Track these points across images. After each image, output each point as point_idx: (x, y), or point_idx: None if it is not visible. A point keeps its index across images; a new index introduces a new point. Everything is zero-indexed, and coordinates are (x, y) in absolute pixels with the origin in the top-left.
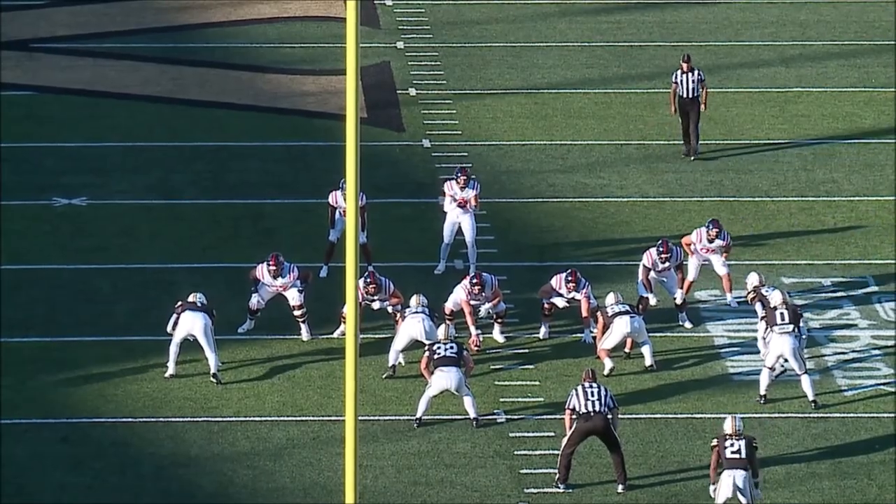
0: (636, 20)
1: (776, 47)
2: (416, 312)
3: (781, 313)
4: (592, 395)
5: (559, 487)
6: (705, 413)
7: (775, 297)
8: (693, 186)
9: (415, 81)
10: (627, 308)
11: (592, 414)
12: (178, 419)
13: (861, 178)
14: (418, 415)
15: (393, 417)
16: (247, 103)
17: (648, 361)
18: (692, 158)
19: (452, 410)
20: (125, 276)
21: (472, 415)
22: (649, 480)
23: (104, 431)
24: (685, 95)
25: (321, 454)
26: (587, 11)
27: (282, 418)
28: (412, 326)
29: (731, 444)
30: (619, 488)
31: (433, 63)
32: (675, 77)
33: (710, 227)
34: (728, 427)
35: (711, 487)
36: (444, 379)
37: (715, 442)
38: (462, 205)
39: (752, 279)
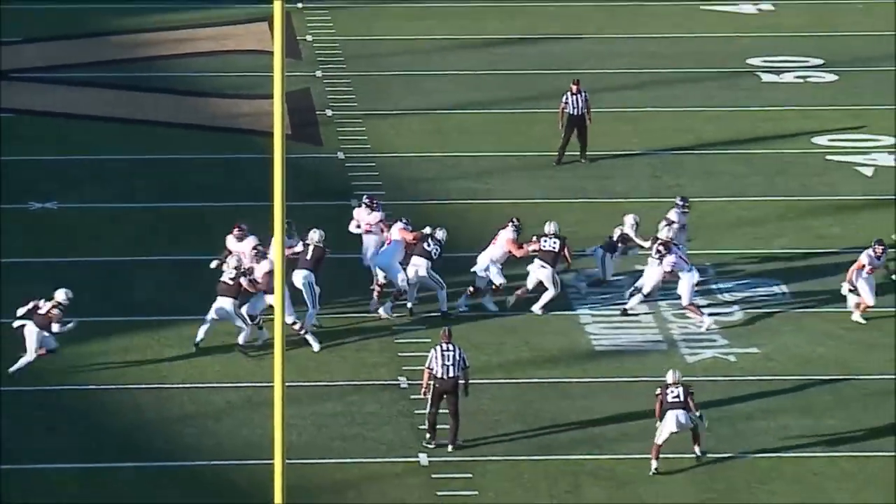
0: (516, 52)
1: (632, 74)
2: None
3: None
4: (448, 360)
5: (430, 445)
6: (571, 378)
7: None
8: (563, 190)
9: (331, 104)
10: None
11: (445, 378)
12: (134, 387)
13: (702, 183)
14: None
15: (314, 383)
16: (191, 122)
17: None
18: (582, 162)
19: (363, 377)
20: (90, 267)
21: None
22: (526, 434)
23: (73, 399)
24: (574, 113)
25: (254, 415)
26: (475, 45)
27: (221, 385)
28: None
29: (672, 391)
30: (449, 448)
31: (346, 88)
32: (566, 98)
33: (876, 245)
34: (669, 378)
35: (658, 425)
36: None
37: (658, 391)
38: (368, 230)
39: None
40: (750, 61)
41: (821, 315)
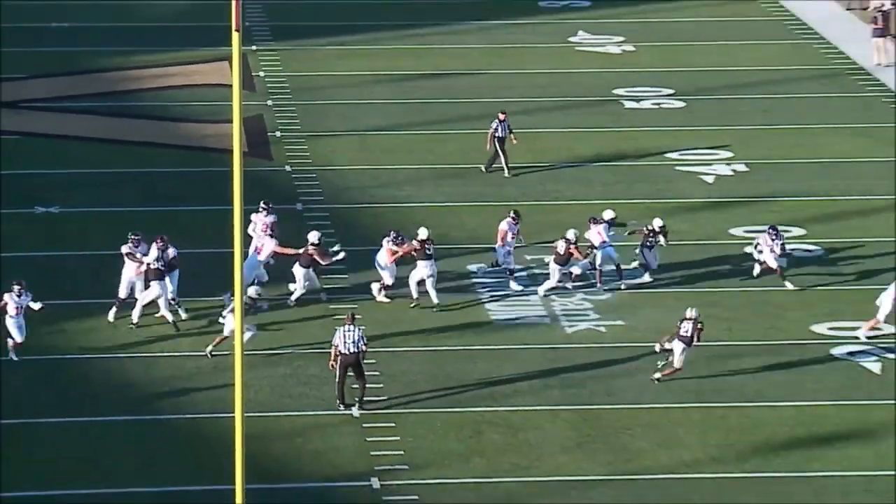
0: (426, 85)
1: (521, 102)
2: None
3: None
4: (349, 338)
5: (341, 409)
6: (475, 346)
7: None
8: (465, 196)
9: (279, 127)
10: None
11: (348, 354)
12: (122, 355)
13: (578, 189)
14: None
15: (267, 352)
16: (167, 142)
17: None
18: (507, 175)
19: (307, 346)
20: (83, 259)
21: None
22: (439, 391)
23: (72, 366)
24: (501, 135)
25: (220, 378)
26: (393, 80)
27: (193, 354)
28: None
29: (684, 326)
30: (355, 408)
31: (291, 114)
32: (495, 123)
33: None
34: (688, 313)
35: (658, 344)
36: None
37: (679, 322)
38: (264, 230)
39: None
40: (615, 91)
41: (673, 294)
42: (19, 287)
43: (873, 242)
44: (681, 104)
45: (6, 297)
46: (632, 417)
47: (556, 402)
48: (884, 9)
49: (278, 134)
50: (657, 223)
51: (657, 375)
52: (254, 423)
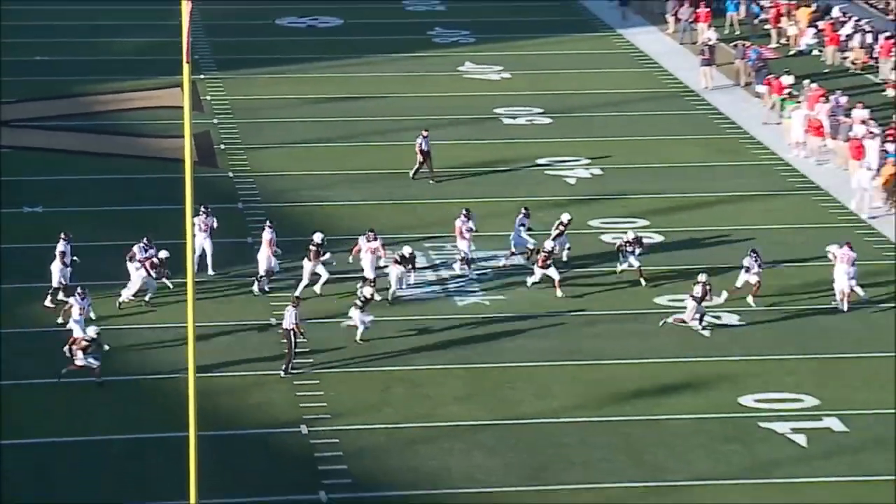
0: (345, 106)
1: (421, 120)
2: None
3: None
4: (287, 317)
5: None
6: (385, 318)
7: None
8: (379, 196)
9: (223, 140)
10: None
11: (283, 329)
12: (98, 328)
13: (465, 188)
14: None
15: (215, 324)
16: (132, 154)
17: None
18: (431, 182)
19: (249, 320)
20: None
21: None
22: (357, 355)
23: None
24: (425, 148)
25: (176, 345)
26: (318, 102)
27: (155, 326)
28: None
29: (698, 285)
30: (282, 372)
31: (233, 130)
32: (420, 139)
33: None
34: (700, 278)
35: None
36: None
37: (693, 285)
38: (204, 230)
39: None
40: (496, 110)
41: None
42: (82, 291)
43: (707, 230)
44: (549, 121)
45: (71, 299)
46: (513, 374)
47: (450, 362)
48: (710, 43)
49: (222, 146)
50: (565, 217)
51: (669, 320)
52: (203, 382)
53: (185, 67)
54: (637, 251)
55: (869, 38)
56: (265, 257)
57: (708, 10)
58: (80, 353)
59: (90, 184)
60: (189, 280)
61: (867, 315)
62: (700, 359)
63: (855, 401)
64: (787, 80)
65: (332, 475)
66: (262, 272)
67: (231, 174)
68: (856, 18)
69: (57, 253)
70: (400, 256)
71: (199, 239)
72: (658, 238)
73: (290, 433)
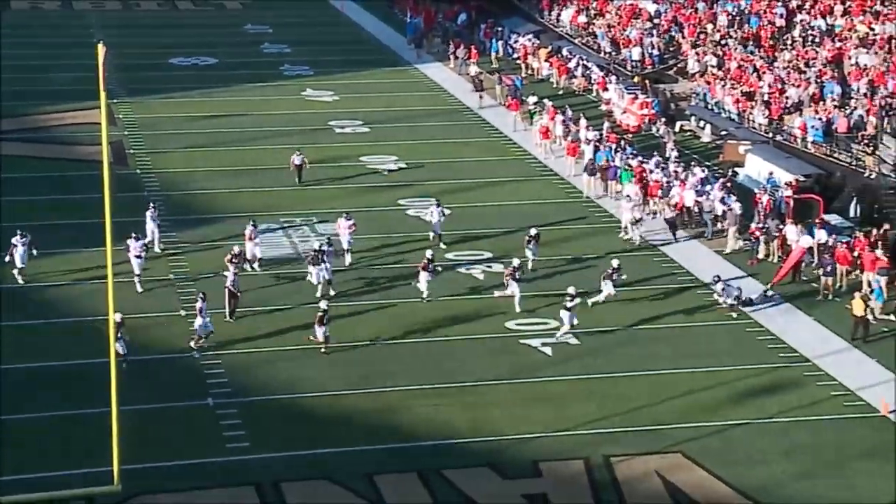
0: (222, 121)
1: (274, 130)
2: None
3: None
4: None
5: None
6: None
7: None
8: (248, 184)
9: (132, 146)
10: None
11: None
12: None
13: (286, 180)
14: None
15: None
16: (65, 157)
17: None
18: (298, 184)
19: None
20: (28, 230)
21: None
22: (219, 307)
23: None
24: (298, 164)
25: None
26: (203, 118)
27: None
28: None
29: (509, 268)
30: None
31: (140, 140)
32: (294, 155)
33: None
34: (514, 262)
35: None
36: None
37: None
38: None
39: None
40: (330, 123)
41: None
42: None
43: (480, 205)
44: (368, 130)
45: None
46: (345, 310)
47: (296, 303)
48: (476, 74)
49: (131, 151)
50: (533, 231)
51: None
52: (129, 323)
53: (102, 94)
54: (616, 278)
55: (588, 70)
56: (150, 230)
57: (476, 50)
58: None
59: (35, 181)
60: (108, 256)
61: (605, 260)
62: (479, 297)
63: (584, 321)
64: (532, 99)
65: (216, 386)
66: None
67: (138, 171)
68: (578, 56)
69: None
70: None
71: (150, 226)
72: (448, 212)
73: (185, 358)
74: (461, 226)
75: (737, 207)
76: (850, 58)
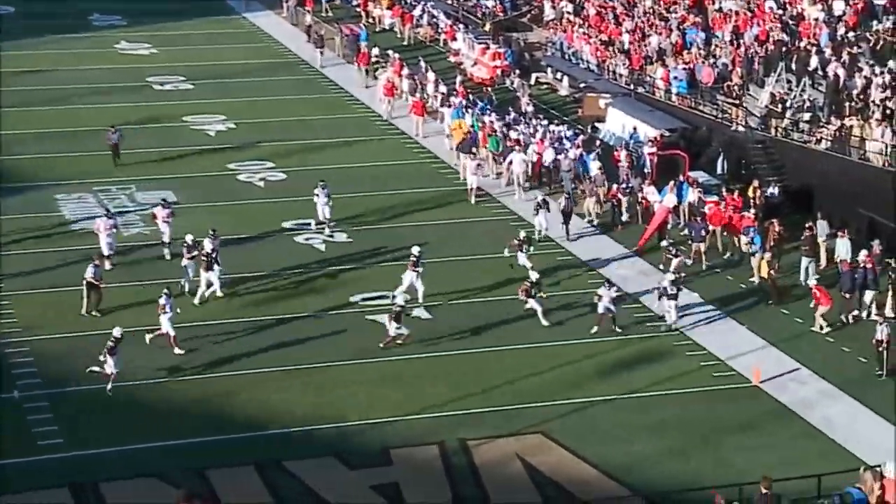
0: (31, 79)
1: (89, 87)
2: None
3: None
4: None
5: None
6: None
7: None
8: (60, 149)
9: None
10: None
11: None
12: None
13: (130, 142)
14: None
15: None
16: None
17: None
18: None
19: None
20: None
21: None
22: (55, 289)
23: None
24: (115, 142)
25: None
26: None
27: None
28: None
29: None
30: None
31: None
32: (111, 133)
33: None
34: (414, 250)
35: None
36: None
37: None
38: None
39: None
40: (148, 79)
41: (206, 208)
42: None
43: (319, 168)
44: (191, 86)
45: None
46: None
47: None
48: (320, 32)
49: None
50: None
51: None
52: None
53: None
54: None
55: (434, 18)
56: None
57: None
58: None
59: None
60: None
61: (460, 224)
62: (322, 269)
63: (436, 295)
64: (375, 51)
65: (23, 377)
66: None
67: None
68: (423, 3)
69: None
70: None
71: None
72: (282, 176)
73: None
74: (299, 192)
75: (595, 167)
76: (713, 2)
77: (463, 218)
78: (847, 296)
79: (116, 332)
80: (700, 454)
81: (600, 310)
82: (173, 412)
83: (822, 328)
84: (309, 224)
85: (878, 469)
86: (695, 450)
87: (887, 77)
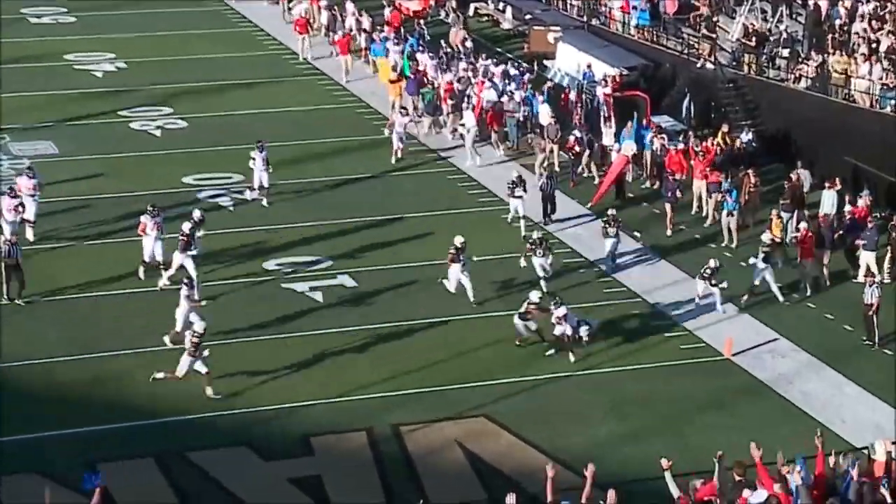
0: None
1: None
2: None
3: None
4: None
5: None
6: None
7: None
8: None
9: None
10: None
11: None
12: None
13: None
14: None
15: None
16: None
17: None
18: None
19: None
20: None
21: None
22: None
23: None
24: None
25: None
26: None
27: None
28: None
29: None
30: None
31: None
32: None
33: None
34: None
35: None
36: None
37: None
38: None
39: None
40: (23, 10)
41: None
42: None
43: (224, 115)
44: (73, 19)
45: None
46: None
47: None
48: None
49: None
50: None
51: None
52: None
53: None
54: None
55: None
56: None
57: None
58: None
59: None
60: None
61: (388, 179)
62: (229, 230)
63: (362, 260)
64: None
65: None
66: None
67: None
68: None
69: None
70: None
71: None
72: (183, 123)
73: None
74: (203, 142)
75: (546, 114)
76: None
77: (392, 172)
78: (821, 253)
79: (199, 326)
80: (663, 437)
81: (557, 332)
82: (56, 398)
83: (807, 289)
84: (220, 178)
85: (865, 451)
86: (657, 432)
87: (874, 5)
